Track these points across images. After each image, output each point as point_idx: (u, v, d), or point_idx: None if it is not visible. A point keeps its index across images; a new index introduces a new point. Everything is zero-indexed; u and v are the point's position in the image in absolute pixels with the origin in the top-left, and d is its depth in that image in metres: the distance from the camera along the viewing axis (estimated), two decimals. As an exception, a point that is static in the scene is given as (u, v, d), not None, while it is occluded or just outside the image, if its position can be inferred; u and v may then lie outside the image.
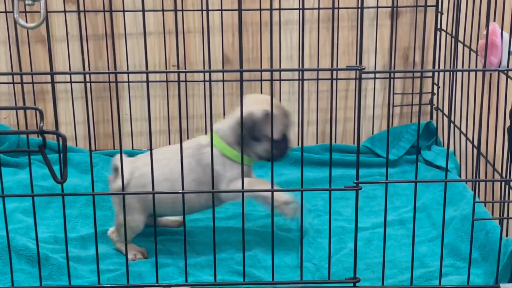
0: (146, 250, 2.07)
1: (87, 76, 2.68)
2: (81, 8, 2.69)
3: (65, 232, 1.71)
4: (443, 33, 2.67)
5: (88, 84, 2.75)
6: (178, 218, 2.25)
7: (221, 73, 2.73)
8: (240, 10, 1.62)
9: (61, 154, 1.59)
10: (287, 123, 2.04)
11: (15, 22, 1.56)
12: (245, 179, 1.90)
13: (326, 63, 2.77)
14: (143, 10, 1.59)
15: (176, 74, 2.79)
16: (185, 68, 2.76)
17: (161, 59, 2.77)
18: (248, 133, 1.97)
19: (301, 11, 2.73)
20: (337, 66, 2.74)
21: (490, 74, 2.13)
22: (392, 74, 2.71)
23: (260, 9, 2.71)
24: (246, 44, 2.78)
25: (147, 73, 1.60)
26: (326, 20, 2.76)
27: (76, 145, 2.83)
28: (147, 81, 1.65)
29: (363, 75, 2.64)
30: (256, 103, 2.00)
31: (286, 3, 2.73)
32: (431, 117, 2.79)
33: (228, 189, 1.98)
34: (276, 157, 1.96)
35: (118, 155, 1.93)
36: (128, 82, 2.77)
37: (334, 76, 2.75)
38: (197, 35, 2.77)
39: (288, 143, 2.04)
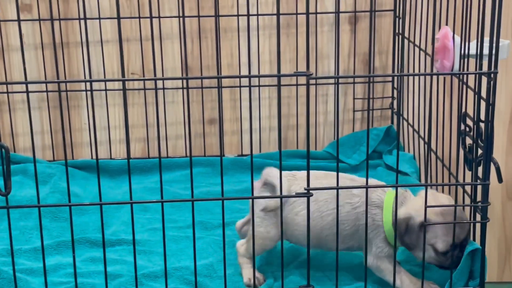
0: (264, 276, 1.93)
1: (44, 85, 2.69)
2: (36, 17, 2.65)
3: (11, 245, 1.68)
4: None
5: (45, 94, 2.72)
6: None
7: (179, 81, 2.71)
8: (181, 17, 1.60)
9: (5, 166, 1.57)
10: (460, 234, 1.79)
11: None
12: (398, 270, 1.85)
13: (286, 69, 2.75)
14: (99, 18, 1.57)
15: (136, 82, 2.77)
16: (144, 76, 2.73)
17: (119, 67, 2.74)
18: (404, 236, 1.81)
19: (257, 17, 2.72)
20: (297, 70, 2.72)
21: (444, 78, 2.13)
22: (353, 79, 2.74)
23: (217, 15, 2.69)
24: (205, 51, 2.76)
25: (90, 81, 1.58)
26: (286, 26, 2.74)
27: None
28: (92, 90, 1.63)
29: (315, 81, 2.66)
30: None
31: (244, 9, 2.71)
32: (392, 122, 2.78)
33: (374, 264, 1.87)
34: (443, 265, 1.82)
35: (270, 170, 1.87)
36: (86, 90, 2.73)
37: (286, 82, 2.74)
38: (155, 42, 2.74)
39: (461, 253, 1.79)
